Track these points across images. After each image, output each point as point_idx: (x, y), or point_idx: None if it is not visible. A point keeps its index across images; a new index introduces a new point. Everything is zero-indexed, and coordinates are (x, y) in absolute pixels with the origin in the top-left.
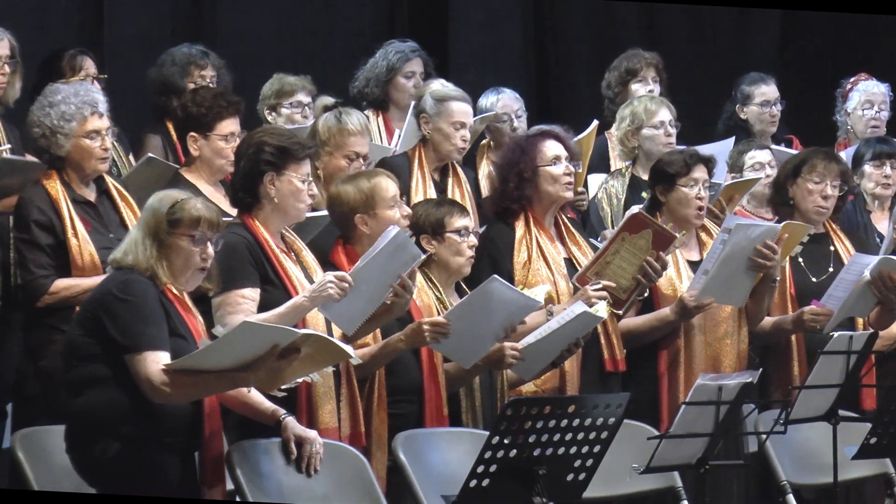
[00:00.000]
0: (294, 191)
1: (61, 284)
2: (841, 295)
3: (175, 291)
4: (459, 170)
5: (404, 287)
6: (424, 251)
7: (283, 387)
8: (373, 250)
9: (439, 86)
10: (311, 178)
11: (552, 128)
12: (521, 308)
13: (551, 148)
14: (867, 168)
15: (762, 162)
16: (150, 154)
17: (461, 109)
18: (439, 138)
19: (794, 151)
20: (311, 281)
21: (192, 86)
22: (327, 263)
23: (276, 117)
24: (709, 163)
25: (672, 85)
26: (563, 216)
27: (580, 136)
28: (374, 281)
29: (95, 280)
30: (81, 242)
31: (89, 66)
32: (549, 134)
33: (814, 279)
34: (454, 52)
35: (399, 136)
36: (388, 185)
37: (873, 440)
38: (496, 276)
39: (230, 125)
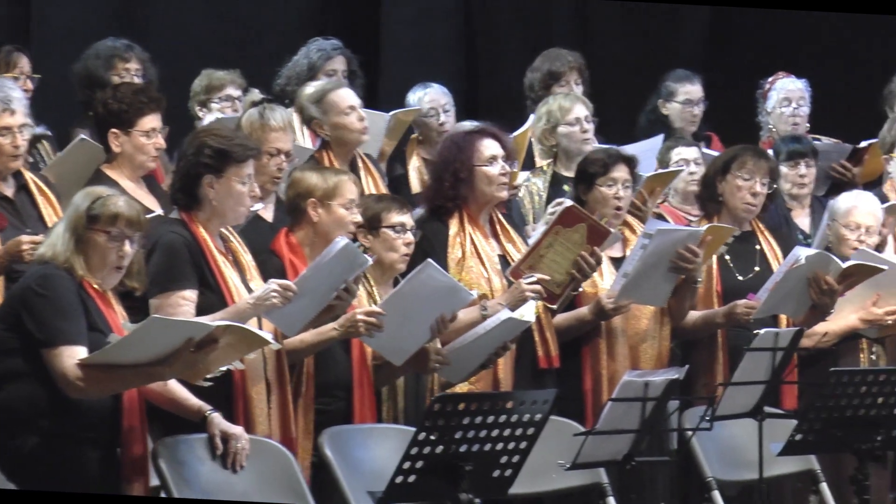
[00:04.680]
0: (234, 194)
1: None
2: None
3: (96, 286)
4: (368, 161)
5: (348, 291)
6: (366, 250)
7: (207, 376)
8: (320, 260)
9: (310, 89)
10: (252, 179)
11: (489, 126)
12: (454, 297)
13: (488, 147)
14: (783, 168)
15: (687, 158)
16: (81, 136)
17: (343, 95)
18: (340, 132)
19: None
20: (246, 284)
21: (116, 79)
22: (265, 252)
23: (206, 113)
24: (630, 162)
25: (603, 80)
26: (498, 213)
27: (516, 133)
28: (320, 288)
29: None
30: None
31: (24, 63)
32: (486, 132)
33: (740, 277)
34: (385, 49)
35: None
36: (351, 187)
37: (799, 437)
38: (430, 259)
39: (151, 121)
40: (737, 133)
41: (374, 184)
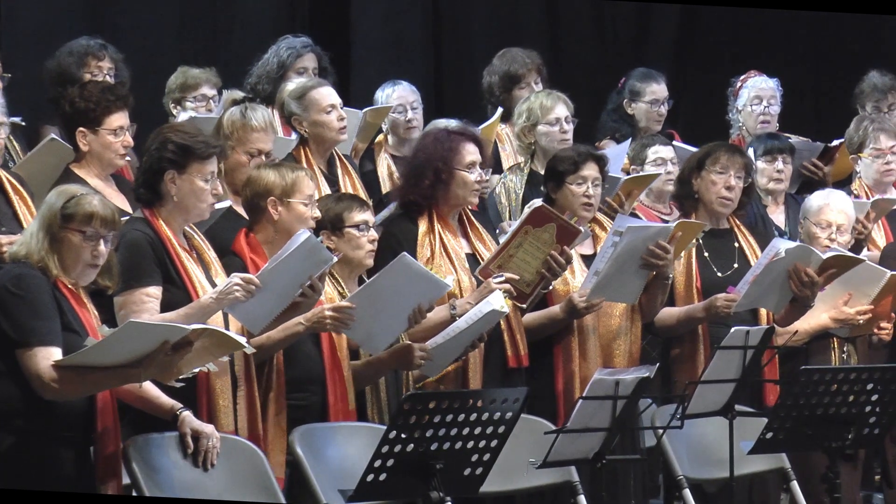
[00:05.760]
0: (195, 190)
1: None
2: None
3: (69, 286)
4: (345, 159)
5: (313, 288)
6: (331, 250)
7: (179, 377)
8: (282, 253)
9: (292, 85)
10: (215, 177)
11: (472, 130)
12: (430, 289)
13: (471, 153)
14: (759, 164)
15: (664, 157)
16: (52, 135)
17: (325, 94)
18: (319, 130)
19: (695, 149)
20: (211, 280)
21: (88, 76)
22: (228, 253)
23: (180, 111)
24: (600, 160)
25: (571, 79)
26: (468, 211)
27: (485, 125)
28: (283, 283)
29: None
30: None
31: None
32: (470, 137)
33: (719, 274)
34: (355, 46)
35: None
36: (309, 183)
37: (769, 435)
38: (405, 252)
39: (119, 119)
40: (704, 131)
41: (350, 183)
